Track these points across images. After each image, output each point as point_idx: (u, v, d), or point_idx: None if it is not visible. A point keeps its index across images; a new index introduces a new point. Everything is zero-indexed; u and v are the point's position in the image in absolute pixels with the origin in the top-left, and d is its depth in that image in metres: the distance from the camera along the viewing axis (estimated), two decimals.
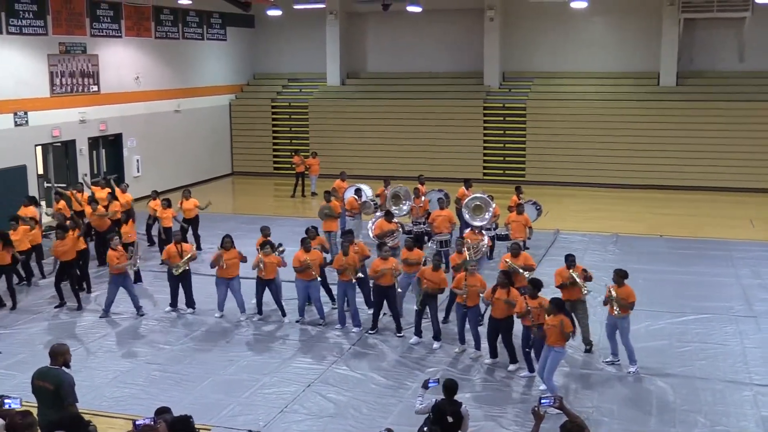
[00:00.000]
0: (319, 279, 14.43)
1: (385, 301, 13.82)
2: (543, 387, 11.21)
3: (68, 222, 16.36)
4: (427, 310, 13.38)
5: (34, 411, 7.41)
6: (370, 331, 13.88)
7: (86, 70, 24.08)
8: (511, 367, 12.25)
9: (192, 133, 29.20)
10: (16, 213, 17.24)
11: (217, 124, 31.05)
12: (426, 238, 18.52)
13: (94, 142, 24.78)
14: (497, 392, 11.60)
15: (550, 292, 12.50)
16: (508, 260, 13.49)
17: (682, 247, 19.60)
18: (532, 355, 11.90)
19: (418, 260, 14.13)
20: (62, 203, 18.78)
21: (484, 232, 16.75)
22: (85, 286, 16.35)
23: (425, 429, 8.71)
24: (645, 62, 28.81)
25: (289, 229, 19.58)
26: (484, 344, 12.69)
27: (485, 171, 29.16)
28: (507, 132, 29.25)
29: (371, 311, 14.32)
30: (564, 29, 29.48)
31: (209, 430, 10.30)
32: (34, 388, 8.19)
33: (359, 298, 14.59)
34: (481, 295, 12.72)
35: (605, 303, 12.28)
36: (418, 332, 13.50)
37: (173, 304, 15.16)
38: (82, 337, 13.91)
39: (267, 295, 14.58)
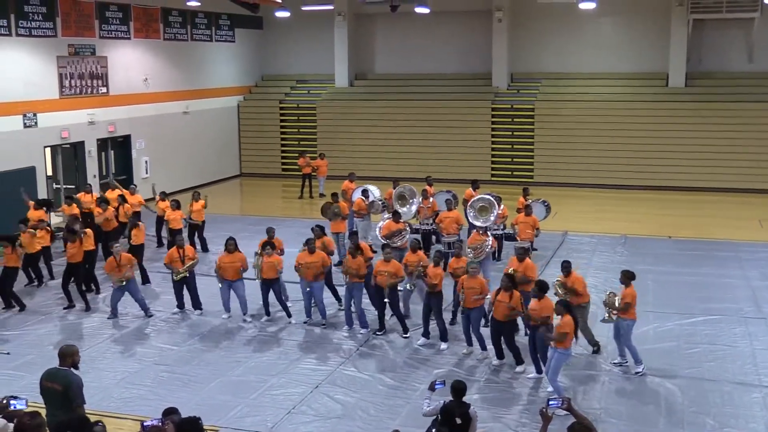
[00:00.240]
0: (318, 282, 14.38)
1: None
2: (550, 389, 11.20)
3: (78, 225, 16.44)
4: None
5: (42, 412, 7.42)
6: (377, 333, 13.88)
7: (95, 72, 24.16)
8: (518, 368, 12.22)
9: (200, 134, 29.26)
10: (26, 216, 17.33)
11: (225, 125, 31.11)
12: (434, 238, 18.51)
13: (102, 144, 24.87)
14: (504, 393, 11.58)
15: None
16: (513, 270, 13.35)
17: (691, 248, 19.54)
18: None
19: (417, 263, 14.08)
20: (74, 206, 18.83)
21: (488, 232, 16.72)
22: (93, 287, 16.39)
23: (433, 431, 8.70)
24: (654, 63, 28.74)
25: (296, 230, 19.59)
26: (490, 345, 12.66)
27: (493, 172, 29.14)
28: (515, 133, 29.22)
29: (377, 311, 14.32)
30: (572, 30, 29.43)
31: (217, 431, 10.32)
32: (42, 389, 8.21)
33: (365, 299, 14.55)
34: (487, 297, 12.72)
35: (604, 304, 12.27)
36: (426, 333, 13.49)
37: (180, 305, 15.20)
38: (91, 338, 13.95)
39: (273, 296, 14.61)
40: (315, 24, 31.26)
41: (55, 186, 23.32)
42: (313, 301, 14.43)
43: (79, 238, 15.58)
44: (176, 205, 18.74)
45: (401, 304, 14.17)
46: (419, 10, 26.54)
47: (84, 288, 15.72)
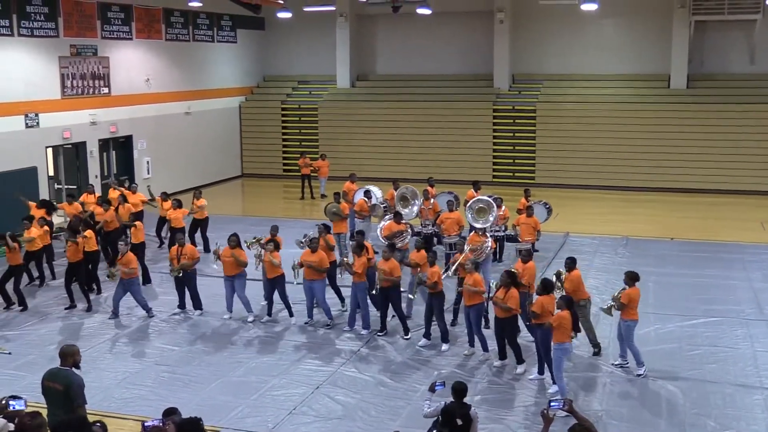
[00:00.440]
0: (319, 282, 14.39)
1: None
2: (551, 390, 11.20)
3: (80, 225, 16.46)
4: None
5: (43, 412, 7.42)
6: (379, 333, 13.88)
7: (97, 72, 24.18)
8: (519, 369, 12.22)
9: (202, 135, 29.27)
10: (30, 213, 17.34)
11: (226, 126, 31.13)
12: (435, 240, 18.50)
13: (104, 144, 24.87)
14: (505, 394, 11.58)
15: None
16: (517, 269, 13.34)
17: (693, 250, 19.52)
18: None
19: (419, 262, 14.05)
20: (75, 205, 18.85)
21: (487, 234, 16.71)
22: (95, 287, 16.40)
23: None
24: (655, 65, 28.73)
25: (298, 231, 19.52)
26: (493, 346, 12.65)
27: (495, 173, 29.14)
28: (516, 134, 29.22)
29: (379, 312, 14.33)
30: (574, 31, 29.42)
31: (218, 431, 10.31)
32: (44, 389, 8.21)
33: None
34: (485, 295, 12.75)
35: (613, 300, 12.26)
36: (427, 334, 13.48)
37: (181, 305, 15.20)
38: (92, 338, 13.94)
39: (276, 297, 14.62)
40: (317, 25, 31.27)
41: (56, 186, 23.34)
42: (315, 301, 14.42)
43: (81, 238, 15.58)
44: (178, 205, 18.74)
45: (403, 305, 14.15)
46: (421, 11, 26.54)
47: (86, 288, 15.71)
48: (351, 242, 18.12)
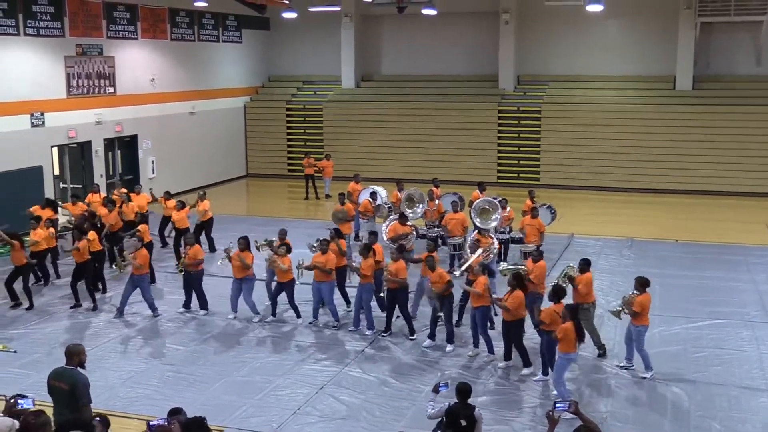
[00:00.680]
0: (328, 283, 14.40)
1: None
2: (556, 392, 11.18)
3: (86, 224, 16.49)
4: (434, 312, 13.37)
5: (49, 411, 7.44)
6: (383, 334, 13.88)
7: (102, 72, 24.22)
8: (525, 371, 12.20)
9: (207, 135, 29.30)
10: (36, 213, 17.36)
11: (231, 126, 31.15)
12: (440, 241, 18.49)
13: (109, 144, 24.92)
14: (511, 396, 11.56)
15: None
16: (521, 267, 13.33)
17: (698, 252, 19.49)
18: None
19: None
20: (80, 205, 18.88)
21: (492, 235, 16.71)
22: (100, 286, 16.42)
23: None
24: (661, 66, 28.69)
25: (303, 231, 19.60)
26: (498, 348, 12.65)
27: (499, 174, 29.12)
28: (521, 135, 29.20)
29: (385, 313, 14.32)
30: (579, 32, 29.40)
31: (222, 431, 10.32)
32: (49, 388, 8.23)
33: (373, 301, 14.55)
34: (493, 295, 12.75)
35: (623, 304, 12.23)
36: (432, 335, 13.47)
37: (186, 305, 15.21)
38: (97, 337, 13.96)
39: (281, 298, 14.63)
40: (322, 25, 31.29)
41: (61, 186, 23.38)
42: (322, 302, 14.42)
43: (85, 240, 15.60)
44: (181, 205, 18.76)
45: (409, 305, 14.14)
46: (426, 11, 26.53)
47: (92, 287, 15.73)
48: (355, 243, 18.16)
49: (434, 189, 20.00)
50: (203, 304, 15.13)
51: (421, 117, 29.71)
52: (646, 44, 28.88)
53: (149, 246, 16.62)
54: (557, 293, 11.70)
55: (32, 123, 21.77)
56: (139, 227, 16.73)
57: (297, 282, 14.67)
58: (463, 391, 8.63)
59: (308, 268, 14.34)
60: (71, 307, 15.48)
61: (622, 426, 10.64)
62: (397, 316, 14.05)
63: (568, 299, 11.99)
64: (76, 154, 23.86)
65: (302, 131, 31.70)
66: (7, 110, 20.92)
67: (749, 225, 22.54)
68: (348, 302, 15.11)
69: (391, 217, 18.53)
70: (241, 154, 31.98)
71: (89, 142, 23.87)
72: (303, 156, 28.29)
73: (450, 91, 30.24)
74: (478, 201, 18.42)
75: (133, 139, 25.88)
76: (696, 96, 27.92)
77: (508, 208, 18.45)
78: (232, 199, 27.52)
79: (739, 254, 19.20)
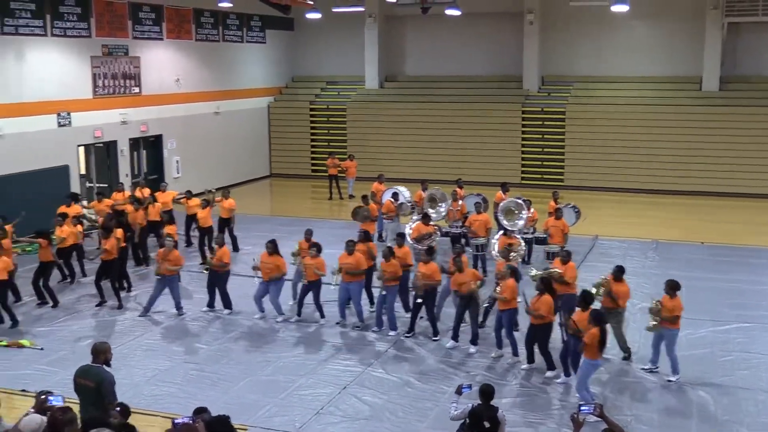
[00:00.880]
0: (357, 284, 14.41)
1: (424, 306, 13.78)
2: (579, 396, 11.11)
3: (112, 221, 16.62)
4: (467, 314, 13.33)
5: (75, 408, 7.50)
6: (406, 334, 13.86)
7: (128, 72, 24.40)
8: (549, 374, 12.13)
9: (231, 135, 29.44)
10: (63, 210, 17.55)
11: (255, 126, 31.28)
12: (463, 240, 18.46)
13: (135, 143, 25.10)
14: (535, 398, 11.51)
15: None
16: (553, 269, 13.20)
17: (724, 255, 19.30)
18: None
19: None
20: (105, 202, 19.04)
21: (518, 236, 16.65)
22: (125, 284, 16.53)
23: None
24: (687, 67, 28.45)
25: (327, 231, 19.62)
26: (522, 349, 12.59)
27: (523, 175, 29.01)
28: (546, 136, 29.07)
29: (409, 314, 14.32)
30: (604, 33, 29.22)
31: (246, 430, 10.35)
32: (76, 386, 8.30)
33: (397, 302, 14.53)
34: (518, 300, 12.68)
35: (650, 313, 12.10)
36: (455, 336, 13.44)
37: (210, 304, 15.28)
38: (122, 335, 14.06)
39: (307, 297, 14.66)
40: (346, 26, 31.32)
41: (87, 185, 23.58)
42: (349, 302, 14.42)
43: (113, 237, 15.73)
44: (205, 204, 18.84)
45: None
46: (450, 12, 26.48)
47: (117, 285, 15.85)
48: (378, 243, 18.17)
49: (458, 189, 19.95)
50: (227, 304, 15.19)
51: (445, 117, 29.66)
52: (673, 45, 28.65)
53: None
54: (586, 300, 11.60)
55: (59, 123, 21.99)
56: (167, 229, 16.77)
57: (332, 286, 14.62)
58: (487, 392, 8.59)
59: (338, 270, 14.29)
60: (96, 305, 15.61)
61: (647, 429, 10.55)
62: (420, 317, 14.02)
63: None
64: (102, 154, 24.06)
65: (326, 131, 31.76)
66: (35, 110, 21.13)
67: None
68: (372, 302, 15.09)
69: (414, 218, 18.52)
70: (265, 154, 32.09)
71: (115, 142, 24.06)
72: (326, 156, 28.34)
73: (474, 91, 30.17)
74: (504, 202, 18.36)
75: (158, 138, 26.06)
76: (723, 97, 27.65)
77: (532, 209, 18.38)
78: (256, 199, 27.62)
79: (764, 257, 18.98)
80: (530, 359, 12.42)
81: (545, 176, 28.74)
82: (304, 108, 31.92)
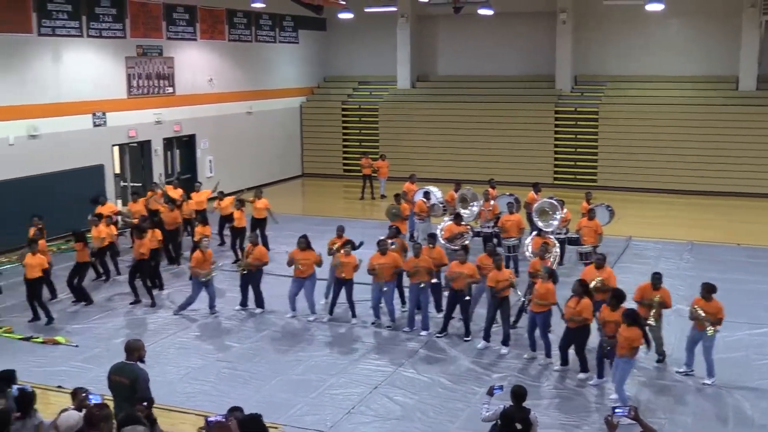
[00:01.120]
0: (391, 283, 14.42)
1: (458, 306, 13.72)
2: (613, 396, 11.01)
3: (146, 221, 16.79)
4: (498, 314, 13.27)
5: (111, 405, 7.59)
6: (438, 335, 13.83)
7: (162, 72, 24.63)
8: (581, 375, 12.04)
9: (263, 134, 29.59)
10: (97, 212, 17.76)
11: (288, 126, 31.40)
12: (495, 240, 18.38)
13: (168, 143, 25.33)
14: (568, 400, 11.42)
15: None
16: (598, 279, 12.89)
17: (761, 256, 19.01)
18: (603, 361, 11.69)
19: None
20: (140, 202, 19.23)
21: (552, 237, 16.53)
22: (158, 283, 16.68)
23: None
24: (723, 66, 28.08)
25: (359, 231, 19.57)
26: (556, 351, 12.51)
27: (556, 176, 28.82)
28: (579, 136, 28.85)
29: (440, 315, 14.29)
30: (639, 32, 28.93)
31: (277, 428, 10.39)
32: (110, 383, 8.39)
33: (430, 302, 14.51)
34: (556, 304, 12.62)
35: (691, 319, 11.93)
36: (487, 337, 13.38)
37: (243, 303, 15.36)
38: (156, 333, 14.19)
39: (340, 297, 14.71)
40: (378, 26, 31.34)
41: (122, 184, 23.84)
42: (382, 301, 14.42)
43: (149, 231, 15.90)
44: (240, 205, 18.94)
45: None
46: (482, 11, 26.38)
47: (150, 284, 16.00)
48: (410, 243, 18.14)
49: (490, 190, 19.87)
50: (260, 303, 15.26)
51: (477, 117, 29.56)
52: (708, 43, 28.28)
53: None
54: (618, 298, 11.49)
55: (94, 123, 22.25)
56: (200, 230, 16.87)
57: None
58: (519, 394, 8.54)
59: (371, 271, 14.27)
60: (131, 303, 15.77)
61: None
62: (453, 317, 13.97)
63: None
64: (136, 153, 24.31)
65: (358, 131, 31.80)
66: (71, 110, 21.41)
67: None
68: (404, 302, 15.07)
69: (446, 218, 18.48)
70: (297, 153, 32.21)
71: (149, 142, 24.30)
72: (358, 156, 28.38)
73: (506, 91, 30.03)
74: (538, 202, 18.24)
75: (192, 138, 26.26)
76: (759, 97, 27.21)
77: (564, 210, 18.25)
78: (288, 199, 27.72)
79: None
80: (564, 361, 12.33)
81: (578, 176, 28.52)
82: (337, 108, 31.99)
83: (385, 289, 14.18)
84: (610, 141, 28.14)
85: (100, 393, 7.76)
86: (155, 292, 16.16)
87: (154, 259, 16.47)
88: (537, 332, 12.78)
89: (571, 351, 12.23)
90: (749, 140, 26.56)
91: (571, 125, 28.94)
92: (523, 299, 13.97)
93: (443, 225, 17.69)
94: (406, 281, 14.84)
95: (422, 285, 13.93)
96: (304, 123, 32.27)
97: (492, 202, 19.18)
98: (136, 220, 17.75)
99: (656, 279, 12.48)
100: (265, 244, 19.36)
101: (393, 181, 26.30)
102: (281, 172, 30.79)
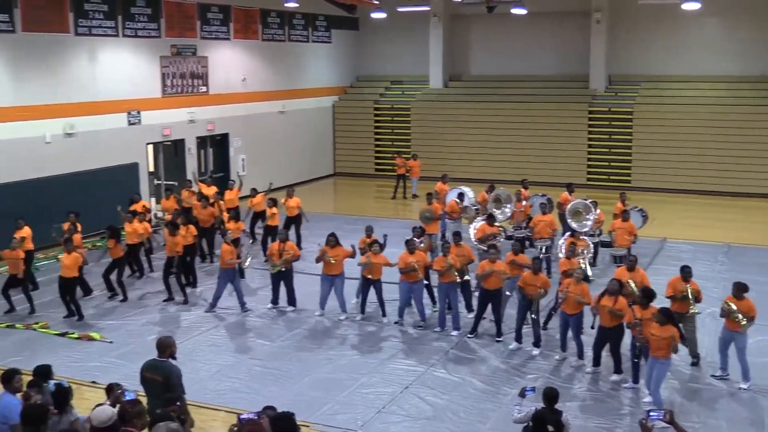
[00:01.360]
0: (424, 282, 14.41)
1: (489, 305, 13.67)
2: (648, 399, 10.89)
3: (179, 218, 16.93)
4: (529, 315, 13.19)
5: (144, 401, 7.66)
6: (469, 335, 13.78)
7: (196, 72, 24.82)
8: (615, 377, 11.93)
9: (295, 133, 29.70)
10: (131, 209, 17.95)
11: (320, 125, 31.49)
12: (527, 243, 18.27)
13: (201, 142, 25.52)
14: (602, 403, 11.31)
15: (657, 302, 12.06)
16: (635, 283, 12.67)
17: None
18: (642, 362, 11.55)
19: (524, 264, 13.84)
20: (172, 199, 19.40)
21: (586, 238, 16.39)
22: (191, 280, 16.81)
23: None
24: (762, 65, 27.65)
25: (390, 230, 19.56)
26: (588, 352, 12.40)
27: (589, 176, 28.58)
28: (612, 137, 28.59)
29: (471, 315, 14.24)
30: (674, 31, 28.60)
31: (308, 427, 10.42)
32: (143, 380, 8.45)
33: (460, 301, 14.47)
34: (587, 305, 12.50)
35: (722, 316, 11.78)
36: (518, 338, 13.31)
37: (274, 301, 15.42)
38: (188, 330, 14.30)
39: (370, 296, 14.69)
40: (410, 25, 31.31)
41: (156, 182, 24.07)
42: (412, 301, 14.40)
43: (182, 227, 16.04)
44: (273, 203, 19.02)
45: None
46: (516, 11, 26.26)
47: (183, 281, 16.12)
48: (441, 242, 18.08)
49: (522, 190, 19.76)
50: (292, 301, 15.31)
51: (510, 117, 29.42)
52: (745, 43, 27.86)
53: (238, 241, 16.70)
54: (648, 296, 11.37)
55: (129, 121, 22.49)
56: (232, 226, 16.96)
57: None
58: (550, 396, 8.48)
59: (401, 270, 14.23)
60: (164, 301, 15.90)
61: None
62: (484, 317, 13.91)
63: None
64: (170, 152, 24.52)
65: (390, 131, 31.80)
66: (107, 109, 21.66)
67: None
68: (434, 300, 15.04)
69: (478, 218, 18.39)
70: (329, 153, 32.29)
71: (182, 140, 24.50)
72: (390, 156, 28.38)
73: (540, 91, 29.85)
74: (572, 203, 18.11)
75: (224, 137, 26.44)
76: None
77: (598, 211, 18.10)
78: (320, 198, 27.81)
79: None
80: (596, 362, 12.22)
81: (612, 177, 28.26)
82: (369, 107, 32.01)
83: (415, 287, 14.16)
84: (645, 141, 27.86)
85: (134, 389, 7.82)
86: (188, 289, 16.28)
87: (188, 255, 16.60)
88: (569, 334, 12.68)
89: (604, 353, 12.12)
90: None
91: (604, 125, 28.69)
92: (560, 298, 13.87)
93: (475, 225, 17.61)
94: (434, 281, 14.82)
95: (456, 282, 13.91)
96: (337, 122, 32.34)
97: (524, 203, 19.07)
98: (169, 217, 17.91)
99: (686, 272, 12.36)
100: (299, 243, 19.46)
101: (425, 180, 26.27)
102: (313, 172, 30.88)
